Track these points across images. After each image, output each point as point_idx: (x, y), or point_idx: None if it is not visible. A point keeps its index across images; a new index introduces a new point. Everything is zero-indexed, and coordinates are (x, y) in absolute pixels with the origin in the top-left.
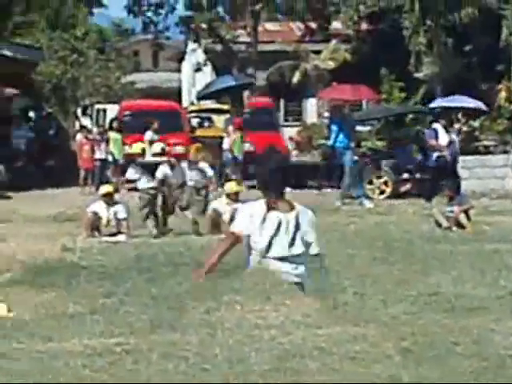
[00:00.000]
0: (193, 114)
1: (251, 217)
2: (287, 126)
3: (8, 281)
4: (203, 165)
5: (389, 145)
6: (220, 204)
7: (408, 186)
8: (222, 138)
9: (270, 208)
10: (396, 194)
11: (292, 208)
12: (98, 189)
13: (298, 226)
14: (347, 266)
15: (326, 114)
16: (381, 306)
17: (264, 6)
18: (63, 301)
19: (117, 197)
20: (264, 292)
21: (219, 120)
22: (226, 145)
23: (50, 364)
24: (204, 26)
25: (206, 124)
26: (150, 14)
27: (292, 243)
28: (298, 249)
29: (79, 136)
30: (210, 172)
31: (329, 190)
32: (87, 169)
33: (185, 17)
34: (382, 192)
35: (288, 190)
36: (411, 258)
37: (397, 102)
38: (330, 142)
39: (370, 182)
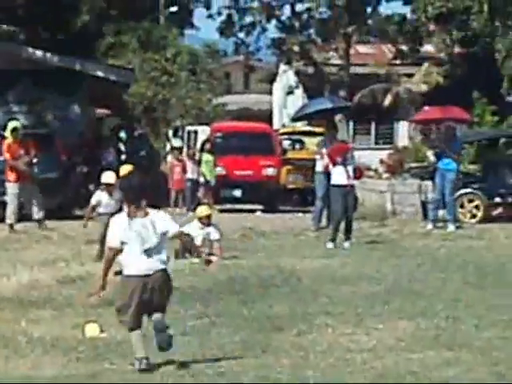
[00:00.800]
0: (284, 136)
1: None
2: (378, 149)
3: (101, 301)
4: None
5: (481, 168)
6: (192, 228)
7: (500, 210)
8: (314, 160)
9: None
10: (488, 218)
11: (147, 214)
12: (189, 210)
13: (154, 226)
14: (439, 290)
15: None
16: (473, 330)
17: (356, 29)
18: None
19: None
20: (356, 316)
21: (310, 142)
22: (319, 167)
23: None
24: (296, 48)
25: (298, 146)
26: (241, 35)
27: (148, 240)
28: (153, 243)
29: (170, 157)
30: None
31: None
32: (178, 190)
33: (277, 39)
34: (474, 216)
35: None
36: (503, 282)
37: (489, 126)
38: (432, 159)
39: (462, 206)
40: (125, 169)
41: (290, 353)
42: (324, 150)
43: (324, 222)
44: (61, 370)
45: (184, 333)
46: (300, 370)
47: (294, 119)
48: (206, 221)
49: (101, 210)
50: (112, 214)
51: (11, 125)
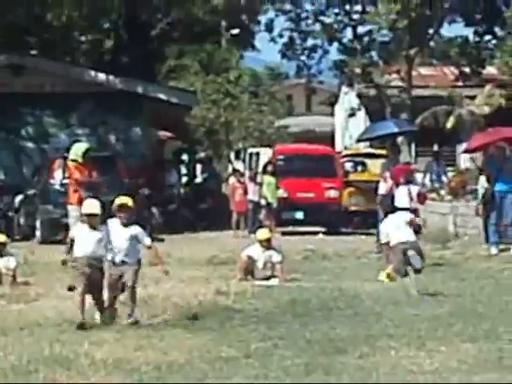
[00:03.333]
0: (346, 159)
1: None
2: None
3: (163, 323)
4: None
5: None
6: (254, 251)
7: None
8: (377, 182)
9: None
10: None
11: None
12: (250, 232)
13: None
14: (502, 312)
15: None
16: None
17: (418, 51)
18: (217, 344)
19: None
20: (418, 338)
21: (372, 164)
22: (382, 190)
23: None
24: (357, 70)
25: (360, 168)
26: (303, 58)
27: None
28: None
29: (232, 179)
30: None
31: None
32: (240, 212)
33: (338, 61)
34: None
35: None
36: None
37: None
38: (485, 185)
39: None
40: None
41: (352, 375)
42: (387, 173)
43: None
44: None
45: (247, 355)
46: None
47: (359, 140)
48: (267, 244)
49: None
50: None
51: (82, 146)
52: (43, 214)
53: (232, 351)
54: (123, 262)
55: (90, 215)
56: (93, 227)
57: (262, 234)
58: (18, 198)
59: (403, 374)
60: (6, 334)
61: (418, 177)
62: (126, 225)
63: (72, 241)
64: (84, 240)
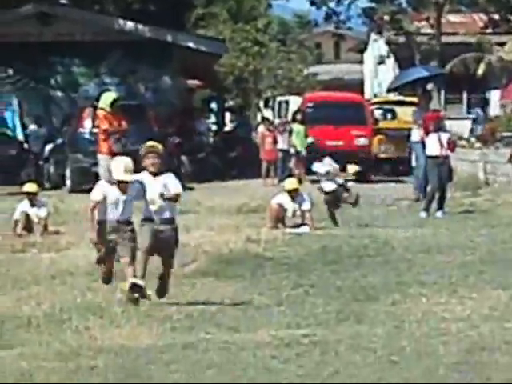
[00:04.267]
0: (376, 106)
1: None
2: (469, 119)
3: (194, 272)
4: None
5: None
6: (283, 199)
7: None
8: (405, 130)
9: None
10: None
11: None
12: (280, 180)
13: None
14: None
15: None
16: None
17: None
18: (248, 292)
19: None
20: (450, 285)
21: (402, 112)
22: (415, 137)
23: (239, 354)
24: (387, 17)
25: (389, 116)
26: (332, 5)
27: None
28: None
29: (261, 128)
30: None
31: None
32: (269, 160)
33: (367, 8)
34: None
35: None
36: None
37: None
38: None
39: None
40: None
41: (384, 322)
42: (420, 120)
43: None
44: (156, 340)
45: (279, 303)
46: (395, 339)
47: (391, 89)
48: (294, 194)
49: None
50: None
51: (111, 96)
52: (73, 162)
53: (263, 299)
54: (162, 221)
55: (121, 182)
56: (123, 191)
57: (290, 184)
58: (48, 147)
59: (435, 320)
60: (39, 282)
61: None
62: (155, 174)
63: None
64: (113, 203)
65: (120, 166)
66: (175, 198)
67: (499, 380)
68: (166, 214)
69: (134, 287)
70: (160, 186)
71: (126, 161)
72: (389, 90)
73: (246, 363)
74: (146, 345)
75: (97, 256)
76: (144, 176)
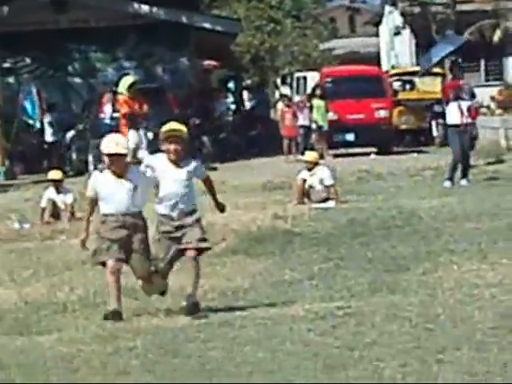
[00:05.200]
0: (394, 78)
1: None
2: (488, 86)
3: (224, 250)
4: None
5: None
6: (308, 174)
7: None
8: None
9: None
10: None
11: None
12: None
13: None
14: None
15: None
16: None
17: None
18: (279, 268)
19: (321, 163)
20: (480, 252)
21: (421, 82)
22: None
23: (275, 329)
24: None
25: (408, 87)
26: None
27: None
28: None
29: (280, 105)
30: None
31: None
32: (290, 137)
33: None
34: None
35: None
36: None
37: None
38: None
39: None
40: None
41: (417, 291)
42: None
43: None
44: (191, 319)
45: (311, 276)
46: (429, 307)
47: (424, 74)
48: (312, 165)
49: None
50: None
51: (128, 80)
52: (95, 148)
53: (295, 274)
54: (182, 214)
55: (112, 156)
56: (119, 174)
57: (309, 155)
58: (69, 134)
59: (468, 287)
60: (70, 268)
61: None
62: (176, 162)
63: (93, 201)
64: (111, 193)
65: (111, 140)
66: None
67: None
68: (185, 206)
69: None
70: (184, 175)
71: (118, 136)
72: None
73: (283, 337)
74: (181, 324)
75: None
76: (161, 162)
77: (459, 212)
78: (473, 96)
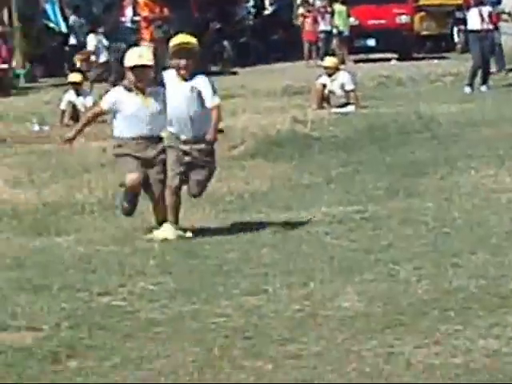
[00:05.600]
0: None
1: None
2: None
3: (242, 153)
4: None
5: None
6: (328, 79)
7: None
8: (446, 6)
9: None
10: None
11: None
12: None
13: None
14: None
15: None
16: None
17: None
18: (298, 171)
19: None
20: (498, 157)
21: None
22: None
23: (292, 232)
24: None
25: None
26: None
27: None
28: None
29: (301, 9)
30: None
31: None
32: (310, 41)
33: None
34: None
35: None
36: None
37: None
38: None
39: None
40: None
41: (434, 196)
42: None
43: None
44: (209, 221)
45: (329, 180)
46: (445, 211)
47: None
48: (332, 71)
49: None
50: None
51: None
52: (115, 52)
53: (313, 178)
54: (190, 138)
55: (135, 69)
56: (143, 91)
57: (328, 60)
58: (90, 37)
59: (484, 192)
60: (89, 170)
61: None
62: (185, 78)
63: (101, 114)
64: (135, 116)
65: (134, 53)
66: (216, 122)
67: None
68: (194, 130)
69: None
70: (188, 90)
71: (142, 48)
72: None
73: (300, 240)
74: (199, 226)
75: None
76: (170, 79)
77: (478, 118)
78: (498, 3)
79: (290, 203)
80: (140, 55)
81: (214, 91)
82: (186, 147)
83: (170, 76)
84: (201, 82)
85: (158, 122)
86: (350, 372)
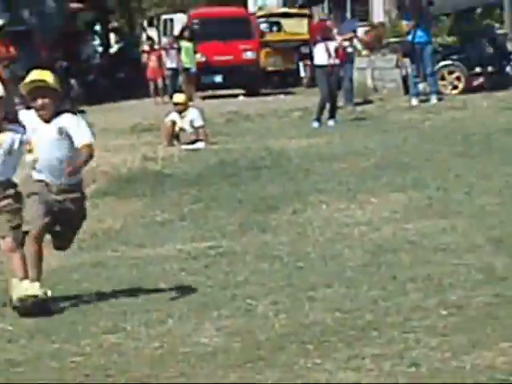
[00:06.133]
0: (261, 19)
1: None
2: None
3: (95, 192)
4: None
5: (459, 40)
6: (177, 116)
7: (481, 80)
8: (292, 41)
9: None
10: (469, 89)
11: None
12: (172, 98)
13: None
14: (428, 161)
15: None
16: (466, 198)
17: None
18: (150, 209)
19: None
20: (348, 191)
21: (287, 24)
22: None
23: (148, 269)
24: None
25: (275, 28)
26: None
27: None
28: None
29: (146, 47)
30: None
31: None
32: (155, 79)
33: None
34: (455, 87)
35: None
36: (490, 150)
37: None
38: (409, 38)
39: (443, 78)
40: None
41: (287, 230)
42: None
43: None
44: (64, 260)
45: (181, 217)
46: (299, 246)
47: None
48: (182, 107)
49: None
50: None
51: None
52: None
53: (165, 215)
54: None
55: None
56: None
57: (177, 97)
58: None
59: (337, 226)
60: None
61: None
62: (46, 119)
63: None
64: None
65: None
66: (84, 160)
67: (405, 278)
68: (65, 177)
69: (35, 304)
70: (54, 132)
71: None
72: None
73: (156, 277)
74: (54, 266)
75: None
76: (31, 119)
77: (327, 152)
78: (354, 31)
79: (144, 240)
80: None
81: (84, 129)
82: (58, 197)
83: (30, 117)
84: (68, 120)
85: (8, 165)
86: None
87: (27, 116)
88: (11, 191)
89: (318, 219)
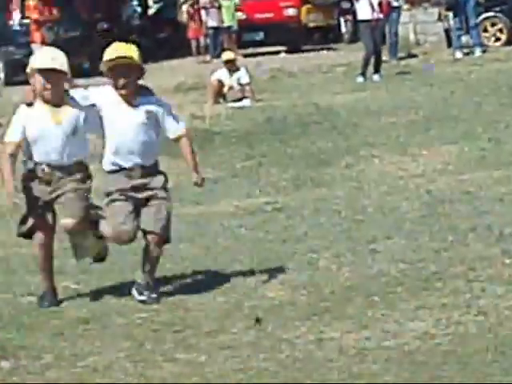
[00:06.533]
0: None
1: None
2: None
3: None
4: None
5: None
6: (222, 74)
7: None
8: None
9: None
10: None
11: None
12: (213, 57)
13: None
14: (477, 113)
15: None
16: None
17: None
18: (202, 167)
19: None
20: (399, 144)
21: None
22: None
23: (206, 226)
24: None
25: None
26: None
27: None
28: None
29: (185, 6)
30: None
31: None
32: (197, 38)
33: None
34: (498, 39)
35: None
36: None
37: None
38: None
39: (485, 30)
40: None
41: (342, 185)
42: None
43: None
44: None
45: (234, 174)
46: (356, 199)
47: None
48: (232, 65)
49: None
50: None
51: None
52: (5, 55)
53: (218, 172)
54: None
55: (44, 71)
56: (54, 102)
57: (227, 55)
58: None
59: (392, 179)
60: None
61: None
62: (129, 100)
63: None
64: (41, 136)
65: (46, 54)
66: (192, 153)
67: (465, 228)
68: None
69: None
70: (142, 117)
71: (55, 50)
72: None
73: (215, 233)
74: None
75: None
76: (109, 98)
77: (374, 106)
78: None
79: (199, 198)
80: (52, 58)
81: (175, 116)
82: (135, 182)
83: (108, 95)
84: (156, 105)
85: (74, 145)
86: (283, 359)
87: (104, 93)
88: (78, 175)
89: (372, 173)
